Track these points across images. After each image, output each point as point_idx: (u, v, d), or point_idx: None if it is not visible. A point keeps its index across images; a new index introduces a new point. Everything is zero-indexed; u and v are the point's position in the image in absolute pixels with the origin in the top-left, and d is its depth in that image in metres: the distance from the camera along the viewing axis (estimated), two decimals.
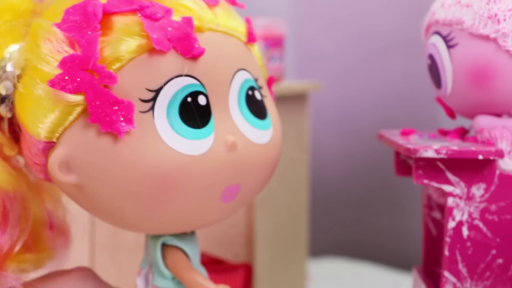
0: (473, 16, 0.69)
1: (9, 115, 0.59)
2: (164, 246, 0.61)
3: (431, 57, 0.74)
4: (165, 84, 0.55)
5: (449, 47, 0.71)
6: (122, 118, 0.54)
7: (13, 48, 0.59)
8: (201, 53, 0.56)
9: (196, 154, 0.55)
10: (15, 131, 0.60)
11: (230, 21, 0.60)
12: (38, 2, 0.61)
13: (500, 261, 0.66)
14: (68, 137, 0.56)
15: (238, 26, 0.61)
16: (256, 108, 0.60)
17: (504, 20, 0.68)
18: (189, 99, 0.55)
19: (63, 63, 0.54)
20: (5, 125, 0.60)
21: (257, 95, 0.60)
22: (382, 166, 1.26)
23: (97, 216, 0.61)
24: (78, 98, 0.54)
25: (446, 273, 0.66)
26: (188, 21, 0.56)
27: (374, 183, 1.34)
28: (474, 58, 0.69)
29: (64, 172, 0.56)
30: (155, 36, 0.54)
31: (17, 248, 0.61)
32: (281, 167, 0.97)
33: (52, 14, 0.57)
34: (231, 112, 0.58)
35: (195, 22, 0.56)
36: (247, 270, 0.90)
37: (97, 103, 0.54)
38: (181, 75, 0.55)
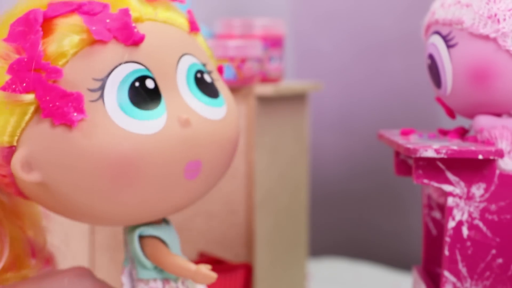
0: (473, 16, 0.69)
1: None
2: (141, 238, 0.62)
3: (431, 57, 0.74)
4: (110, 72, 0.57)
5: (449, 47, 0.71)
6: (73, 109, 0.56)
7: None
8: (141, 38, 0.59)
9: (151, 132, 0.57)
10: None
11: (170, 12, 0.63)
12: None
13: (500, 260, 0.66)
14: (26, 136, 0.58)
15: (178, 17, 0.64)
16: (206, 89, 0.63)
17: (504, 20, 0.68)
18: (136, 84, 0.58)
19: (11, 68, 0.57)
20: None
21: (207, 78, 0.63)
22: (382, 166, 1.26)
23: (69, 217, 0.62)
24: (30, 97, 0.57)
25: (446, 273, 0.66)
26: (125, 11, 0.59)
27: (374, 183, 1.34)
28: (474, 58, 0.69)
29: (26, 171, 0.58)
30: (94, 28, 0.58)
31: None
32: (281, 167, 0.97)
33: (0, 33, 0.60)
34: (181, 93, 0.61)
35: (133, 13, 0.60)
36: (247, 270, 0.90)
37: (47, 98, 0.56)
38: (128, 62, 0.58)
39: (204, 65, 0.64)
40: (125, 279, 0.63)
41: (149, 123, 0.57)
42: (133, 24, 0.59)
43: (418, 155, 0.64)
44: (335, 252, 1.37)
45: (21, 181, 0.60)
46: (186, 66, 0.62)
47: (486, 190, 0.66)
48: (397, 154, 0.76)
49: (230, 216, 0.94)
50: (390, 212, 1.34)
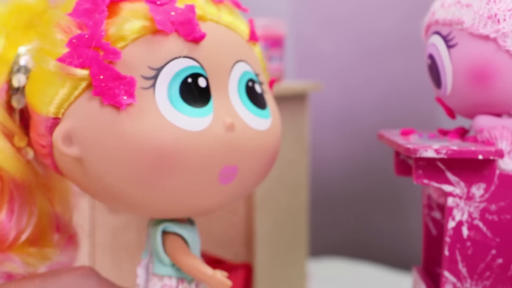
0: (473, 16, 0.69)
1: (20, 106, 0.63)
2: (164, 233, 0.62)
3: (431, 57, 0.74)
4: (166, 63, 0.58)
5: (449, 47, 0.71)
6: (124, 92, 0.57)
7: (28, 46, 0.63)
8: (202, 36, 0.59)
9: (195, 130, 0.58)
10: (25, 123, 0.64)
11: (233, 18, 0.64)
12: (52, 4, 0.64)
13: (500, 261, 0.66)
14: (73, 111, 0.59)
15: (240, 24, 0.65)
16: (255, 98, 0.63)
17: (504, 20, 0.68)
18: (189, 80, 0.59)
19: (71, 41, 0.58)
20: (16, 116, 0.64)
21: (257, 88, 0.64)
22: (382, 166, 1.26)
23: (98, 198, 0.63)
24: (84, 72, 0.58)
25: (446, 273, 0.66)
26: (191, 8, 0.60)
27: (374, 183, 1.34)
28: (474, 58, 0.69)
29: (67, 144, 0.59)
30: (158, 18, 0.58)
31: (23, 237, 0.63)
32: (281, 167, 0.97)
33: (65, 7, 0.61)
34: (230, 97, 0.61)
35: (198, 11, 0.60)
36: (247, 270, 0.90)
37: (101, 77, 0.57)
38: (185, 57, 0.59)
39: (257, 75, 0.64)
40: (140, 271, 0.64)
41: (195, 120, 0.58)
42: (197, 21, 0.59)
43: (418, 155, 0.64)
44: (335, 252, 1.37)
45: (59, 154, 0.61)
46: (239, 72, 0.62)
47: (486, 190, 0.66)
48: (397, 154, 0.76)
49: (230, 216, 0.94)
50: (390, 212, 1.34)
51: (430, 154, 0.64)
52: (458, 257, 0.66)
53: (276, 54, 0.96)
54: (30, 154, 0.64)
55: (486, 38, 0.68)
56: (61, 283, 0.63)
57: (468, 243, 0.66)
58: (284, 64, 1.01)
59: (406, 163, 0.76)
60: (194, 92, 0.59)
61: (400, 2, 1.31)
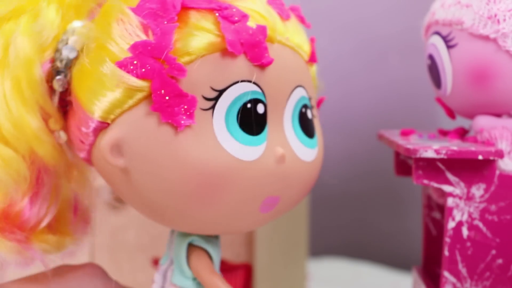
0: (473, 16, 0.69)
1: (61, 89, 0.59)
2: (190, 246, 0.61)
3: (430, 57, 0.74)
4: (229, 85, 0.55)
5: (449, 47, 0.71)
6: (184, 111, 0.54)
7: (77, 23, 0.59)
8: (269, 62, 0.56)
9: (247, 159, 0.55)
10: (63, 105, 0.60)
11: (298, 37, 0.61)
12: None
13: (500, 261, 0.66)
14: (125, 120, 0.56)
15: (304, 44, 0.62)
16: (307, 126, 0.61)
17: (504, 20, 0.68)
18: (249, 105, 0.56)
19: (134, 47, 0.54)
20: (56, 98, 0.60)
21: (309, 114, 0.62)
22: (382, 166, 1.26)
23: (133, 205, 0.61)
24: (143, 84, 0.54)
25: (446, 273, 0.66)
26: (262, 29, 0.56)
27: (374, 183, 1.34)
28: (474, 58, 0.69)
29: (114, 155, 0.56)
30: (230, 38, 0.55)
31: (43, 224, 0.61)
32: None
33: None
34: (284, 125, 0.59)
35: (268, 32, 0.57)
36: (247, 270, 0.90)
37: (162, 92, 0.54)
38: (249, 81, 0.55)
39: (310, 99, 0.62)
40: (158, 277, 0.62)
41: (248, 149, 0.55)
42: (266, 45, 0.56)
43: (418, 155, 0.64)
44: (335, 252, 1.37)
45: (98, 156, 0.58)
46: (296, 99, 0.60)
47: (486, 190, 0.66)
48: (397, 154, 0.76)
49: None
50: (390, 212, 1.34)
51: (430, 154, 0.64)
52: (458, 258, 0.66)
53: None
54: (63, 138, 0.61)
55: (486, 38, 0.68)
56: (66, 281, 0.62)
57: (468, 244, 0.66)
58: None
59: (406, 164, 0.76)
60: (252, 118, 0.56)
61: (401, 3, 1.31)
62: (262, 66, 0.56)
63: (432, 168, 0.66)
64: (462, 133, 0.75)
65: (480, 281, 0.66)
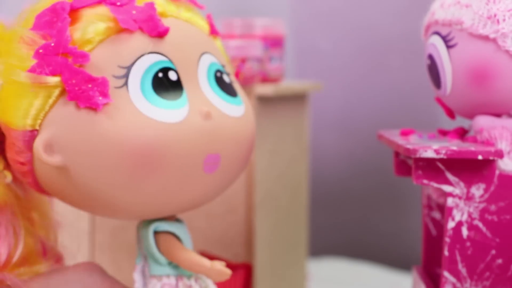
0: (473, 16, 0.69)
1: None
2: (156, 234, 0.62)
3: (430, 57, 0.74)
4: (135, 60, 0.59)
5: (448, 47, 0.71)
6: (98, 93, 0.58)
7: None
8: (166, 30, 0.61)
9: (173, 121, 0.58)
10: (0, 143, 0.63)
11: (191, 13, 0.65)
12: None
13: (499, 261, 0.66)
14: (50, 119, 0.59)
15: (198, 19, 0.66)
16: (226, 87, 0.64)
17: (504, 20, 0.68)
18: (160, 74, 0.60)
19: (37, 52, 0.58)
20: None
21: (225, 78, 0.65)
22: (382, 166, 1.26)
23: (86, 208, 0.63)
24: (55, 79, 0.58)
25: (446, 273, 0.66)
26: (150, 5, 0.61)
27: (374, 183, 1.34)
28: (474, 58, 0.69)
29: (48, 153, 0.59)
30: (121, 17, 0.59)
31: (14, 259, 0.63)
32: (281, 167, 0.97)
33: (25, 24, 0.61)
34: (202, 88, 0.62)
35: (158, 8, 0.61)
36: (247, 270, 0.90)
37: (73, 81, 0.58)
38: (154, 52, 0.60)
39: (223, 66, 0.65)
40: (137, 276, 0.64)
41: (172, 112, 0.59)
42: (158, 17, 0.60)
43: (417, 155, 0.64)
44: (335, 252, 1.37)
45: (40, 169, 0.61)
46: (207, 64, 0.63)
47: (485, 190, 0.66)
48: (397, 154, 0.76)
49: (230, 215, 0.94)
50: (390, 212, 1.34)
51: (429, 154, 0.64)
52: (458, 257, 0.66)
53: (276, 54, 0.96)
54: (8, 177, 0.64)
55: (485, 38, 0.68)
56: (65, 279, 0.63)
57: (468, 243, 0.66)
58: (284, 64, 1.01)
59: (405, 163, 0.76)
60: (167, 85, 0.60)
61: (402, 3, 1.31)
62: (160, 35, 0.60)
63: (431, 168, 0.66)
64: (461, 133, 0.75)
65: (480, 281, 0.66)
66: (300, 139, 1.02)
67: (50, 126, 0.59)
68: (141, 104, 0.58)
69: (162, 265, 0.62)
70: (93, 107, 0.57)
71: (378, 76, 1.33)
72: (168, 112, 0.59)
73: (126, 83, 0.58)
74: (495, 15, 0.68)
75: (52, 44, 0.58)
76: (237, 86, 0.67)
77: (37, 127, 0.59)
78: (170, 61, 0.61)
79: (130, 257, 0.92)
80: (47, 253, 0.68)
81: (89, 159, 0.58)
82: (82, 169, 0.59)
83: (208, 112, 0.60)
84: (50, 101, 0.58)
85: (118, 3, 0.60)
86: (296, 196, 1.02)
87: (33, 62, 0.58)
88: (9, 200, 0.63)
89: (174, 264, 0.62)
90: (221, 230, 0.94)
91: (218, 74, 0.64)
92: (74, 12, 0.60)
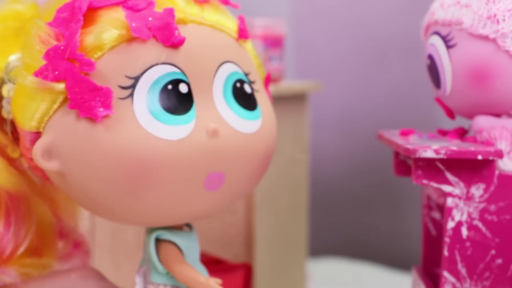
0: (473, 17, 0.69)
1: (10, 116, 0.61)
2: (158, 241, 0.61)
3: (430, 57, 0.74)
4: (144, 71, 0.56)
5: (448, 47, 0.71)
6: (100, 104, 0.56)
7: (13, 58, 0.61)
8: (181, 41, 0.58)
9: (175, 138, 0.56)
10: (17, 134, 0.62)
11: (218, 16, 0.62)
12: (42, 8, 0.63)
13: (499, 261, 0.66)
14: (51, 125, 0.58)
15: (226, 22, 0.63)
16: (244, 100, 0.61)
17: (503, 20, 0.68)
18: (169, 87, 0.57)
19: (47, 54, 0.56)
20: (8, 127, 0.63)
21: (246, 88, 0.61)
22: (382, 166, 1.26)
23: (89, 209, 0.62)
24: (60, 86, 0.56)
25: (446, 273, 0.66)
26: (169, 11, 0.58)
27: (374, 183, 1.34)
28: (474, 58, 0.69)
29: (46, 159, 0.58)
30: (134, 25, 0.57)
31: (21, 249, 0.62)
32: (281, 167, 0.97)
33: (47, 15, 0.59)
34: (215, 101, 0.59)
35: (178, 14, 0.58)
36: (247, 270, 0.90)
37: (76, 89, 0.56)
38: (166, 63, 0.57)
39: (246, 74, 0.62)
40: (138, 279, 0.63)
41: (175, 128, 0.56)
42: (176, 25, 0.57)
43: (417, 155, 0.64)
44: (335, 252, 1.37)
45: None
46: (225, 74, 0.60)
47: (485, 190, 0.66)
48: (397, 154, 0.76)
49: (230, 216, 0.94)
50: (390, 212, 1.34)
51: (429, 154, 0.64)
52: (458, 257, 0.66)
53: (276, 54, 0.96)
54: (25, 164, 0.63)
55: (485, 38, 0.68)
56: (59, 284, 0.63)
57: (468, 244, 0.66)
58: (284, 64, 1.01)
59: (405, 163, 0.76)
60: (175, 99, 0.57)
61: (401, 3, 1.31)
62: (175, 46, 0.57)
63: (431, 168, 0.66)
64: (461, 133, 0.75)
65: (479, 281, 0.66)
66: (300, 139, 1.02)
67: (50, 131, 0.58)
68: (144, 118, 0.56)
69: (161, 274, 0.61)
70: (93, 118, 0.56)
71: (378, 76, 1.33)
72: (171, 128, 0.56)
73: (131, 94, 0.56)
74: (495, 15, 0.68)
75: (62, 48, 0.56)
76: (260, 96, 0.63)
77: (41, 130, 0.58)
78: (183, 72, 0.57)
79: (130, 257, 0.92)
80: (64, 235, 0.67)
81: (85, 169, 0.57)
82: (78, 177, 0.58)
83: (215, 129, 0.57)
84: (55, 106, 0.57)
85: (135, 8, 0.57)
86: (296, 196, 1.02)
87: (42, 62, 0.56)
88: (22, 189, 0.62)
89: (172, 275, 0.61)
90: (221, 230, 0.94)
91: (238, 85, 0.61)
92: (91, 11, 0.57)
